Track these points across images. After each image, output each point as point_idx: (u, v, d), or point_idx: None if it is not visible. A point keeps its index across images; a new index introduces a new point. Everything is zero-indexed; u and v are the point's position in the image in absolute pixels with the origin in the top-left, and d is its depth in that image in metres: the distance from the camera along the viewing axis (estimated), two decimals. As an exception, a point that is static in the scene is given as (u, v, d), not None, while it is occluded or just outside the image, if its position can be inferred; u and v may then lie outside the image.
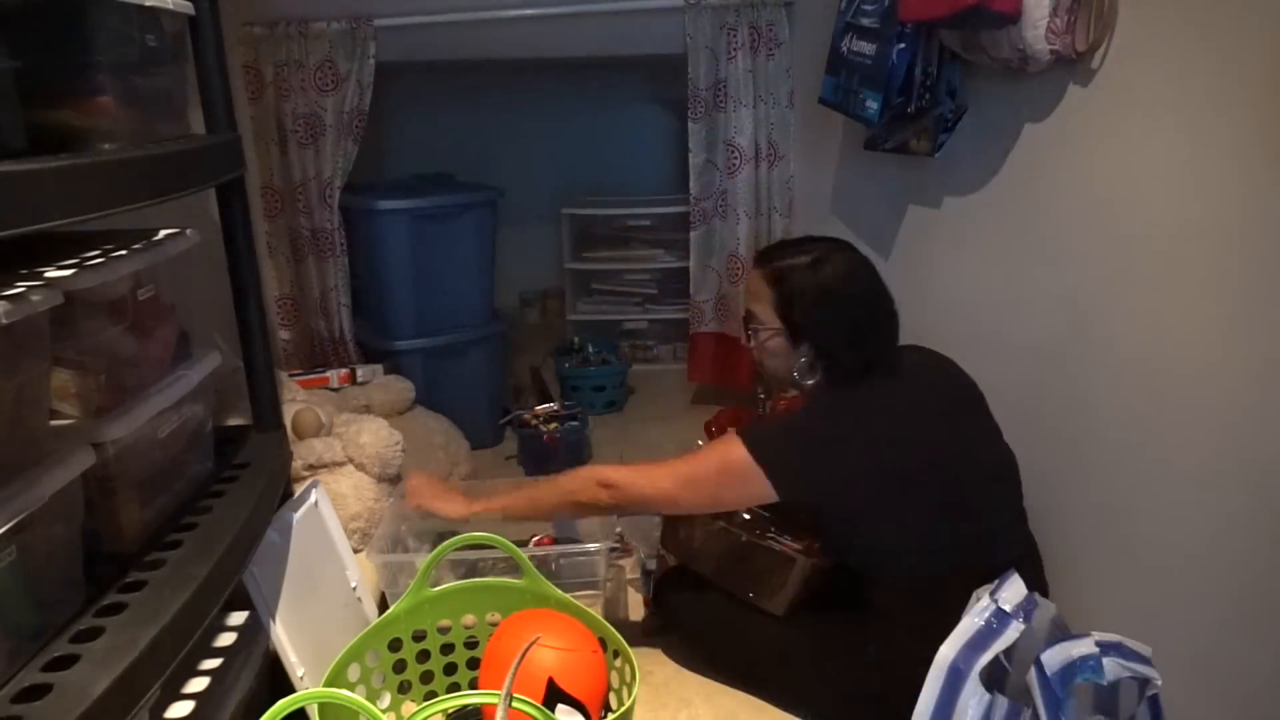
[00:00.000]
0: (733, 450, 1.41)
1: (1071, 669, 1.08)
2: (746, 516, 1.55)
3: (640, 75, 3.72)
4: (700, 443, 2.25)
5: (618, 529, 1.93)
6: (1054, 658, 1.09)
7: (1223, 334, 1.17)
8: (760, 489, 1.39)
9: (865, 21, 1.76)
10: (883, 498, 1.37)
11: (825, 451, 1.38)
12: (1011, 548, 1.40)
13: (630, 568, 1.95)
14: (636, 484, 1.49)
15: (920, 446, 1.38)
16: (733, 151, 2.60)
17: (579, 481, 1.53)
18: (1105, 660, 1.07)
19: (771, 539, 1.51)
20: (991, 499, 1.43)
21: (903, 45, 1.66)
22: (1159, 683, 1.09)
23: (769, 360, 1.53)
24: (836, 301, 1.44)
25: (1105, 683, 1.07)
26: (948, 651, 1.13)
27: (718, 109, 2.58)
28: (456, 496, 1.69)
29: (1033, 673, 1.09)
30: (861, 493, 1.38)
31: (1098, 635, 1.12)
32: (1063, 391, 1.45)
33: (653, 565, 1.81)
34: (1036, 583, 1.37)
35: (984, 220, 1.64)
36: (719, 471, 1.43)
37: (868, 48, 1.75)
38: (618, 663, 1.37)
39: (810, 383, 1.49)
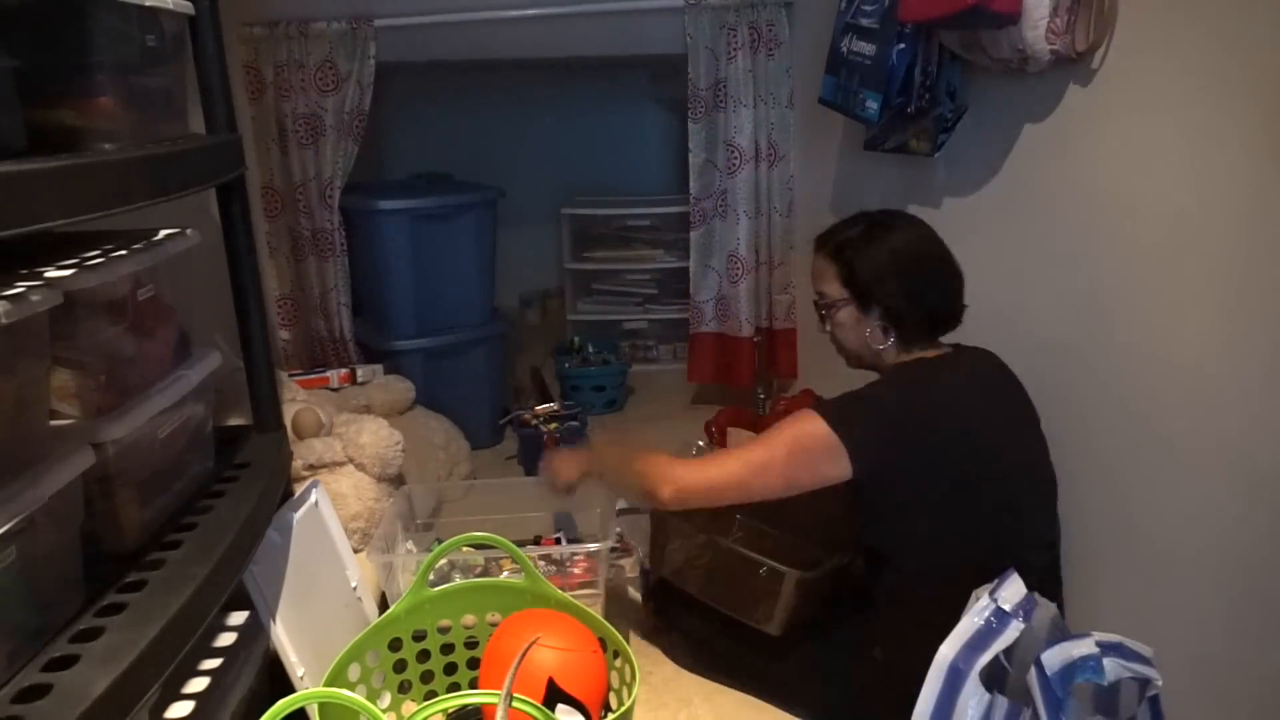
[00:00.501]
0: (808, 424, 1.36)
1: (1071, 669, 1.08)
2: (736, 522, 1.51)
3: (640, 75, 3.72)
4: (701, 444, 2.27)
5: (618, 529, 1.93)
6: (1054, 658, 1.09)
7: (1224, 333, 1.17)
8: (837, 466, 1.35)
9: (865, 22, 1.76)
10: (940, 483, 1.35)
11: (900, 424, 1.36)
12: (1037, 568, 1.35)
13: (630, 568, 1.95)
14: (703, 474, 1.43)
15: (987, 442, 1.38)
16: (733, 151, 2.59)
17: (653, 466, 1.47)
18: (1105, 660, 1.07)
19: (756, 552, 1.46)
20: (1034, 514, 1.42)
21: (902, 45, 1.66)
22: (1159, 683, 1.09)
23: (843, 335, 1.52)
24: (897, 259, 1.45)
25: (1105, 683, 1.07)
26: (948, 651, 1.13)
27: (718, 109, 2.58)
28: (571, 461, 1.68)
29: (1033, 673, 1.08)
30: (924, 473, 1.35)
31: (1098, 635, 1.12)
32: (1062, 391, 1.45)
33: (652, 565, 1.81)
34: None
35: (984, 220, 1.64)
36: (793, 449, 1.37)
37: (868, 48, 1.75)
38: (618, 663, 1.37)
39: (882, 348, 1.48)
